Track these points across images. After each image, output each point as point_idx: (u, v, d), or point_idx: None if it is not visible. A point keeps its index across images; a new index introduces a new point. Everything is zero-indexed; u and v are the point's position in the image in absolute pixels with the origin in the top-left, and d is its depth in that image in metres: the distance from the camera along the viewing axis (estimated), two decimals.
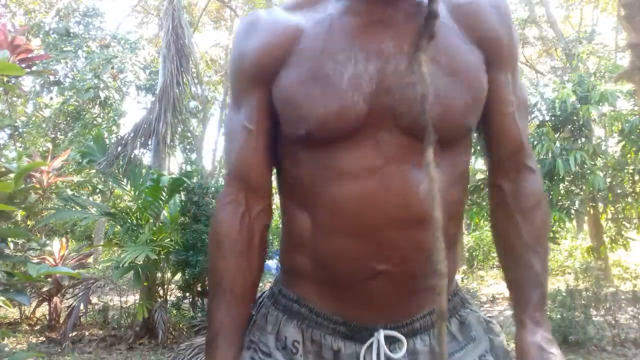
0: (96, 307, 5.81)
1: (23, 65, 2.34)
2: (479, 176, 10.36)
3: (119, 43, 13.09)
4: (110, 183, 8.73)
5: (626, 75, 4.20)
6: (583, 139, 6.37)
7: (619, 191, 6.65)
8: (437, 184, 0.71)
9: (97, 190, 10.67)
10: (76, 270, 4.60)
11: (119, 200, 11.14)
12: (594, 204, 7.05)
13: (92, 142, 6.57)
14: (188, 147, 14.18)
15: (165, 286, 5.29)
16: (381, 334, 0.80)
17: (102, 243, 9.61)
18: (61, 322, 5.19)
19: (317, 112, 0.75)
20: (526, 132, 0.88)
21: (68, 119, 11.95)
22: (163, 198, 5.05)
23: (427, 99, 0.72)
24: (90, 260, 7.74)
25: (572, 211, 6.54)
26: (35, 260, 3.97)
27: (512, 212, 0.86)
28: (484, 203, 7.15)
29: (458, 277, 7.52)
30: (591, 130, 6.61)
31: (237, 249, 0.82)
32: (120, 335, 5.08)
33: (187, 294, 5.22)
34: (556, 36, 12.26)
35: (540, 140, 5.87)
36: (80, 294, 5.04)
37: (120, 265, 4.55)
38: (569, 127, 6.43)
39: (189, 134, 13.49)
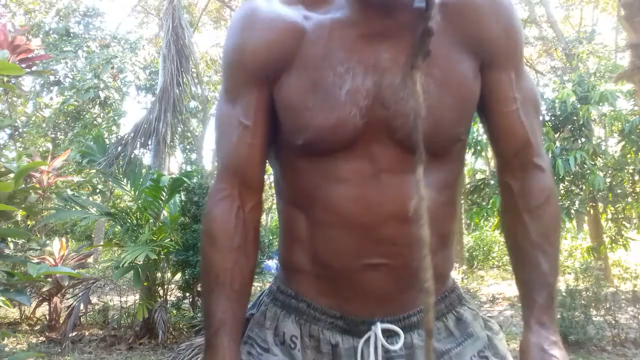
0: (96, 307, 5.81)
1: (23, 65, 2.34)
2: (479, 176, 10.36)
3: (119, 43, 13.09)
4: (110, 183, 8.73)
5: (626, 75, 4.20)
6: (583, 139, 6.37)
7: (619, 191, 6.65)
8: (426, 203, 0.73)
9: (97, 190, 10.66)
10: (76, 270, 4.61)
11: (119, 200, 11.15)
12: (594, 204, 7.05)
13: (92, 142, 6.57)
14: (188, 147, 14.18)
15: (165, 286, 5.29)
16: (378, 327, 0.80)
17: (102, 243, 9.61)
18: (61, 322, 5.19)
19: (316, 124, 0.78)
20: (535, 128, 0.86)
21: (68, 119, 11.95)
22: (163, 198, 5.05)
23: (420, 118, 0.75)
24: (90, 260, 7.74)
25: (572, 211, 6.54)
26: (35, 260, 3.97)
27: (519, 211, 0.85)
28: (484, 203, 7.15)
29: (458, 277, 7.48)
30: (591, 130, 6.62)
31: (235, 244, 0.82)
32: (120, 335, 5.08)
33: (187, 294, 5.22)
34: (556, 36, 12.26)
35: None
36: (80, 294, 5.04)
37: (120, 265, 4.55)
38: (569, 127, 6.43)
39: (189, 134, 13.49)
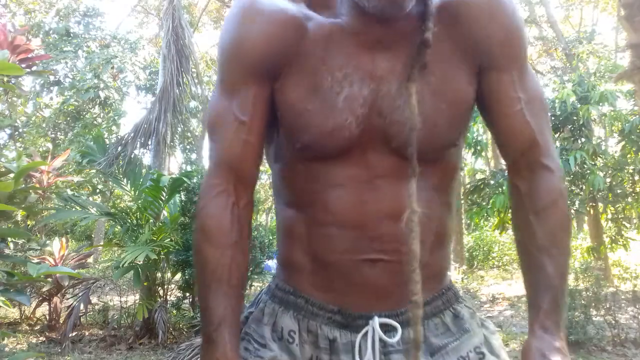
0: (96, 307, 5.81)
1: (23, 65, 2.34)
2: (479, 176, 10.37)
3: (119, 43, 13.10)
4: (110, 183, 8.74)
5: (626, 75, 4.20)
6: (583, 139, 6.38)
7: (619, 191, 6.66)
8: (418, 217, 0.74)
9: (97, 190, 10.67)
10: (76, 270, 4.61)
11: (119, 200, 11.16)
12: (594, 204, 7.05)
13: (92, 142, 6.57)
14: (188, 147, 14.20)
15: (165, 286, 5.29)
16: (376, 321, 0.81)
17: (102, 243, 9.61)
18: (61, 322, 5.20)
19: (314, 127, 0.79)
20: (543, 128, 0.84)
21: (68, 119, 11.96)
22: (163, 198, 5.05)
23: (414, 131, 0.76)
24: (90, 260, 7.74)
25: (572, 211, 6.54)
26: (35, 260, 3.97)
27: (526, 213, 0.83)
28: (484, 203, 7.15)
29: (458, 277, 7.46)
30: (591, 130, 6.62)
31: (231, 241, 0.81)
32: (120, 335, 5.08)
33: (187, 294, 5.23)
34: (556, 36, 12.27)
35: None
36: (80, 294, 5.04)
37: (120, 265, 4.55)
38: (569, 127, 6.43)
39: (189, 134, 13.50)
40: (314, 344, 0.83)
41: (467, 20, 0.80)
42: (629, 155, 6.58)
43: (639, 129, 6.22)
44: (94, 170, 8.14)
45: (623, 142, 6.57)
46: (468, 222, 10.03)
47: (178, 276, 5.40)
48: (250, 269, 5.32)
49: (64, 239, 5.65)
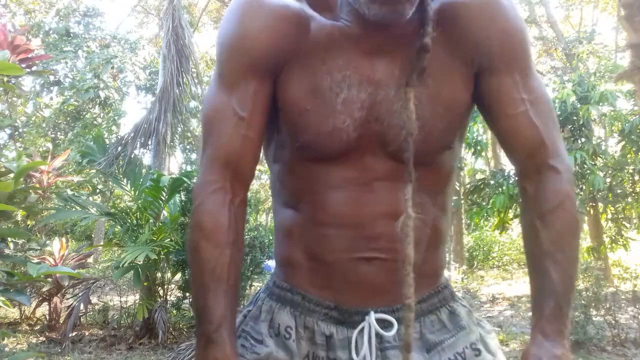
0: (96, 307, 5.81)
1: (23, 65, 2.34)
2: (479, 176, 10.36)
3: (119, 43, 13.11)
4: (110, 183, 8.74)
5: (626, 75, 4.20)
6: (583, 139, 6.38)
7: (619, 191, 6.66)
8: (412, 222, 0.74)
9: (97, 190, 10.67)
10: (76, 270, 4.61)
11: (119, 200, 11.16)
12: (594, 204, 7.05)
13: (92, 142, 6.57)
14: (188, 147, 14.20)
15: (165, 286, 5.29)
16: (372, 316, 0.81)
17: (102, 243, 9.61)
18: (61, 322, 5.19)
19: (312, 128, 0.79)
20: (549, 128, 0.82)
21: (68, 119, 11.97)
22: (163, 198, 5.05)
23: (412, 136, 0.76)
24: (90, 260, 7.74)
25: None
26: (35, 260, 3.97)
27: (533, 216, 0.82)
28: (484, 203, 7.15)
29: (458, 277, 7.44)
30: (591, 130, 6.62)
31: (230, 239, 0.80)
32: (120, 335, 5.08)
33: (187, 294, 5.22)
34: (556, 36, 12.27)
35: None
36: (80, 294, 5.04)
37: (120, 265, 4.55)
38: (569, 127, 6.43)
39: (189, 134, 13.49)
40: (310, 340, 0.83)
41: (466, 22, 0.80)
42: (629, 155, 6.58)
43: (639, 129, 6.22)
44: (94, 170, 8.14)
45: (623, 142, 6.58)
46: (468, 222, 10.03)
47: (178, 276, 5.40)
48: (250, 269, 5.32)
49: (64, 239, 5.65)
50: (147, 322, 4.90)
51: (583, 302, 4.48)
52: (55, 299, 5.43)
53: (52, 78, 11.60)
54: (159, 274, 5.26)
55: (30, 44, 2.48)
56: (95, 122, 11.80)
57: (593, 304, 4.53)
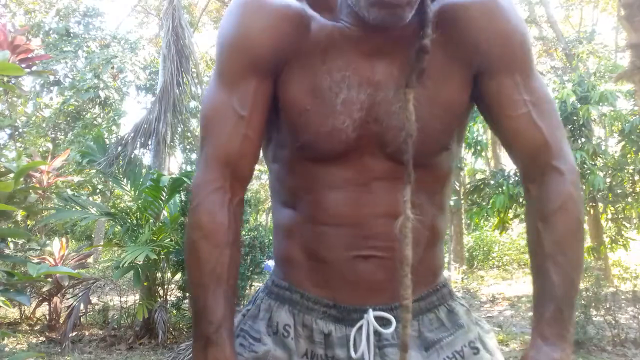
0: (96, 307, 5.81)
1: (23, 65, 2.34)
2: (479, 176, 10.36)
3: (119, 43, 13.10)
4: (110, 183, 8.74)
5: (626, 75, 4.20)
6: (583, 139, 6.38)
7: (619, 191, 6.66)
8: (411, 224, 0.75)
9: (97, 190, 10.67)
10: (76, 270, 4.60)
11: (119, 200, 11.15)
12: (594, 204, 7.05)
13: (92, 142, 6.57)
14: (188, 147, 14.18)
15: (165, 286, 5.29)
16: (370, 314, 0.81)
17: (102, 243, 9.61)
18: (61, 322, 5.19)
19: (312, 128, 0.80)
20: (553, 129, 0.81)
21: (68, 119, 11.97)
22: (163, 198, 5.05)
23: (411, 138, 0.76)
24: (90, 260, 7.74)
25: None
26: (35, 260, 3.97)
27: (535, 218, 0.81)
28: (484, 203, 7.15)
29: (458, 277, 7.44)
30: (591, 130, 6.62)
31: (230, 239, 0.79)
32: (120, 335, 5.08)
33: (187, 294, 5.22)
34: (556, 36, 12.27)
35: None
36: (80, 294, 5.04)
37: (120, 265, 4.55)
38: (569, 127, 6.43)
39: (189, 134, 13.48)
40: (309, 339, 0.83)
41: (466, 24, 0.80)
42: (629, 155, 6.58)
43: (639, 129, 6.22)
44: (94, 170, 8.14)
45: (623, 142, 6.58)
46: (468, 222, 10.03)
47: (178, 276, 5.40)
48: (250, 269, 5.32)
49: (64, 239, 5.64)
50: (147, 322, 4.90)
51: (583, 302, 4.48)
52: (55, 299, 5.42)
53: (52, 78, 11.60)
54: (159, 274, 5.26)
55: (30, 44, 2.48)
56: (95, 122, 11.81)
57: (593, 304, 4.53)
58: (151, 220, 5.20)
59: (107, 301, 5.97)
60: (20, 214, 3.90)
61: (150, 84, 12.63)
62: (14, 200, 1.78)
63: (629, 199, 6.75)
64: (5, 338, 4.48)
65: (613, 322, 4.49)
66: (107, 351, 4.71)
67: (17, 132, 11.56)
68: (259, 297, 0.91)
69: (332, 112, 0.79)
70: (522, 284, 9.15)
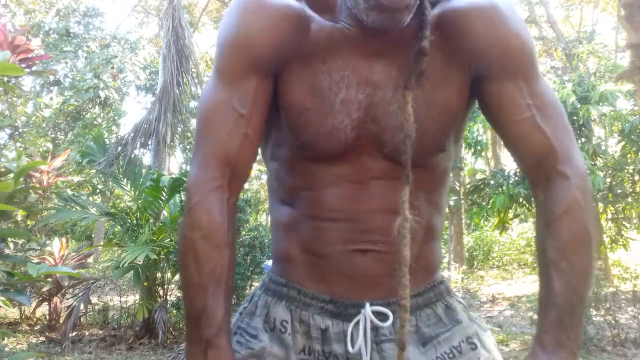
0: (96, 307, 5.81)
1: (23, 65, 2.34)
2: (479, 176, 10.36)
3: (119, 43, 13.10)
4: (110, 183, 8.74)
5: (626, 75, 4.20)
6: (583, 139, 6.38)
7: (619, 191, 6.66)
8: (410, 225, 0.75)
9: (97, 190, 10.67)
10: (76, 270, 4.60)
11: (119, 200, 11.15)
12: (594, 204, 7.04)
13: (92, 142, 6.57)
14: (188, 147, 14.17)
15: (165, 286, 5.29)
16: (367, 308, 0.81)
17: (102, 243, 9.61)
18: (61, 322, 5.20)
19: (312, 128, 0.80)
20: (559, 133, 0.80)
21: (68, 119, 11.97)
22: (163, 198, 5.05)
23: (410, 139, 0.76)
24: (90, 260, 7.74)
25: None
26: (35, 260, 3.97)
27: (541, 225, 0.80)
28: (484, 203, 7.15)
29: (458, 277, 7.43)
30: (591, 130, 6.62)
31: (229, 240, 0.79)
32: (120, 335, 5.08)
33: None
34: (556, 36, 12.27)
35: None
36: (80, 294, 5.04)
37: (120, 265, 4.55)
38: None
39: (189, 134, 13.48)
40: (306, 334, 0.84)
41: (464, 30, 0.80)
42: (629, 155, 6.58)
43: (639, 129, 6.22)
44: (94, 170, 8.14)
45: (623, 142, 6.57)
46: (468, 222, 10.03)
47: (178, 276, 5.40)
48: (250, 269, 5.33)
49: (64, 239, 5.65)
50: (147, 322, 4.90)
51: None
52: (55, 299, 5.43)
53: (52, 78, 11.60)
54: (159, 274, 5.26)
55: (30, 44, 2.48)
56: (95, 122, 11.81)
57: (593, 304, 4.53)
58: (151, 220, 5.20)
59: (107, 301, 5.97)
60: (20, 214, 3.90)
61: (150, 84, 12.63)
62: (14, 200, 1.78)
63: (629, 199, 6.75)
64: (5, 338, 4.48)
65: (613, 322, 4.49)
66: (107, 351, 4.71)
67: (17, 132, 11.56)
68: (256, 294, 0.91)
69: (331, 111, 0.79)
70: (522, 284, 9.15)
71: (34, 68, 2.64)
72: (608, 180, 6.53)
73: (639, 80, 3.98)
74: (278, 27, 0.79)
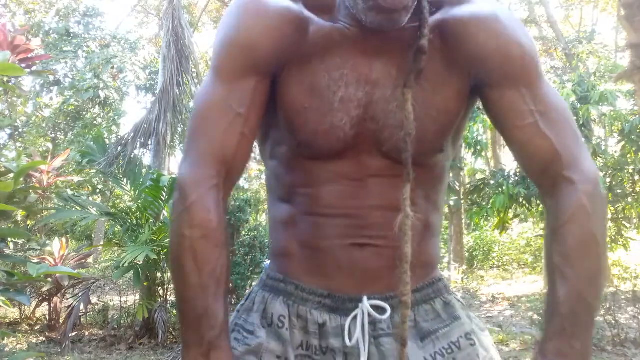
0: (96, 307, 5.81)
1: (23, 65, 2.34)
2: (479, 176, 10.36)
3: (119, 43, 13.10)
4: (110, 183, 8.74)
5: (626, 75, 4.20)
6: (583, 139, 6.37)
7: (619, 191, 6.65)
8: (411, 221, 0.75)
9: (97, 190, 10.67)
10: (76, 270, 4.60)
11: (119, 200, 11.15)
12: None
13: (92, 142, 6.57)
14: None
15: (165, 286, 5.29)
16: (365, 302, 0.81)
17: (102, 243, 9.61)
18: (61, 322, 5.19)
19: (310, 127, 0.80)
20: (564, 138, 0.79)
21: (68, 119, 11.96)
22: (163, 198, 5.05)
23: (410, 137, 0.76)
24: (90, 260, 7.74)
25: None
26: (35, 260, 3.97)
27: (548, 231, 0.79)
28: (484, 203, 7.15)
29: (458, 277, 7.43)
30: (591, 130, 6.62)
31: (226, 239, 0.79)
32: (120, 335, 5.08)
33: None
34: (556, 36, 12.27)
35: None
36: (80, 294, 5.04)
37: (120, 265, 4.55)
38: None
39: None
40: (303, 329, 0.84)
41: (464, 39, 0.80)
42: (629, 155, 6.58)
43: (639, 129, 6.22)
44: (94, 170, 8.14)
45: (623, 142, 6.57)
46: (468, 222, 10.02)
47: None
48: (250, 269, 5.33)
49: (64, 239, 5.65)
50: (147, 322, 4.90)
51: None
52: (55, 299, 5.43)
53: (52, 78, 11.60)
54: (159, 274, 5.26)
55: (30, 44, 2.48)
56: (95, 122, 11.80)
57: None
58: (151, 220, 5.20)
59: (107, 301, 5.97)
60: (20, 214, 3.90)
61: (150, 84, 12.63)
62: (14, 200, 1.78)
63: (629, 199, 6.75)
64: (5, 338, 4.48)
65: (613, 322, 4.49)
66: (107, 351, 4.71)
67: (17, 132, 11.56)
68: (254, 291, 0.91)
69: (330, 110, 0.80)
70: (522, 284, 9.15)
71: (34, 68, 2.65)
72: (608, 180, 6.53)
73: (639, 80, 3.98)
74: (278, 29, 0.79)
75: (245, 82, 0.79)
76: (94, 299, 5.86)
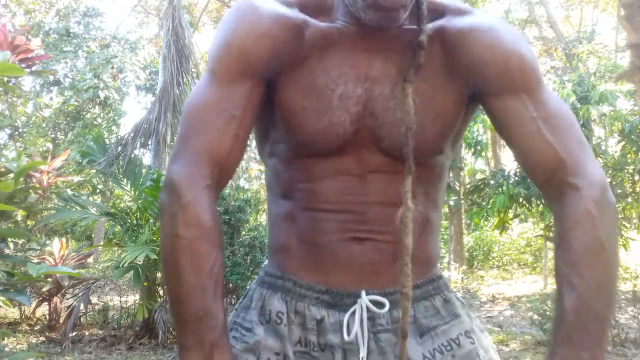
0: (96, 307, 5.81)
1: (23, 65, 2.34)
2: (479, 176, 10.36)
3: (119, 43, 13.10)
4: (110, 183, 8.74)
5: (626, 75, 4.20)
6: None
7: (619, 191, 6.65)
8: (412, 214, 0.76)
9: (97, 190, 10.67)
10: (76, 270, 4.60)
11: (119, 200, 11.14)
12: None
13: (92, 142, 6.57)
14: None
15: (165, 286, 5.28)
16: (364, 296, 0.81)
17: (102, 243, 9.61)
18: (61, 322, 5.19)
19: (309, 126, 0.81)
20: (568, 144, 0.78)
21: (68, 119, 11.96)
22: None
23: (411, 130, 0.77)
24: (90, 260, 7.74)
25: None
26: (35, 260, 3.97)
27: (555, 239, 0.78)
28: (484, 203, 7.15)
29: (458, 277, 7.43)
30: (591, 130, 6.62)
31: (222, 239, 0.79)
32: (120, 335, 5.08)
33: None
34: (556, 36, 12.27)
35: None
36: (80, 294, 5.04)
37: (120, 265, 4.55)
38: None
39: None
40: (301, 326, 0.84)
41: (462, 52, 0.81)
42: (629, 155, 6.58)
43: (639, 129, 6.22)
44: (94, 170, 8.14)
45: (623, 142, 6.58)
46: (468, 222, 10.03)
47: None
48: (250, 269, 5.32)
49: (64, 239, 5.64)
50: (147, 322, 4.90)
51: None
52: (55, 299, 5.42)
53: (52, 78, 11.60)
54: (159, 274, 5.25)
55: (30, 44, 2.48)
56: (95, 122, 11.80)
57: None
58: (151, 220, 5.20)
59: (107, 301, 5.97)
60: (20, 214, 3.90)
61: (150, 84, 12.63)
62: (14, 200, 1.78)
63: (629, 199, 6.75)
64: (5, 338, 4.48)
65: (613, 322, 4.49)
66: (107, 351, 4.71)
67: (17, 132, 11.56)
68: (252, 289, 0.92)
69: (329, 108, 0.80)
70: (522, 284, 9.15)
71: (34, 68, 2.65)
72: (608, 180, 6.53)
73: (639, 80, 3.98)
74: (273, 36, 0.80)
75: (241, 86, 0.80)
76: (94, 299, 5.86)
